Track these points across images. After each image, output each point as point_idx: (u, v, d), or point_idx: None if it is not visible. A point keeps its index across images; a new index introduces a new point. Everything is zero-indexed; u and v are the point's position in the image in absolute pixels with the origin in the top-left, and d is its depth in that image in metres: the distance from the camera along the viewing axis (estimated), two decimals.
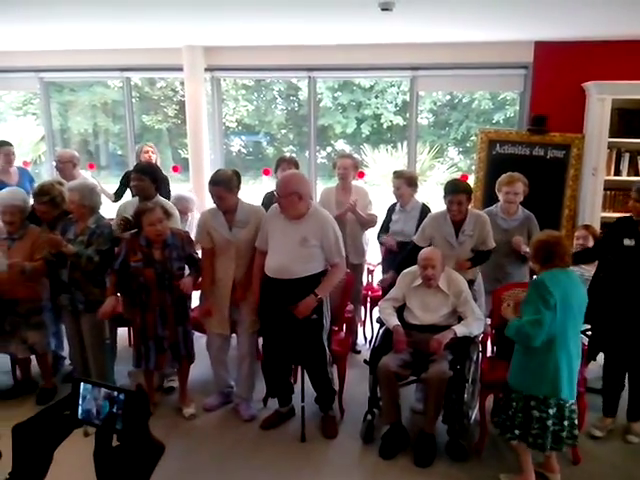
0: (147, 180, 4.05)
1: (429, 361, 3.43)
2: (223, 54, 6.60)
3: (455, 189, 3.90)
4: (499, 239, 4.11)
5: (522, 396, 2.99)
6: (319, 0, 4.02)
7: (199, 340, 4.13)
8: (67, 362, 4.50)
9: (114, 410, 0.96)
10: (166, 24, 5.14)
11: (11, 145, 5.49)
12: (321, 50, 6.27)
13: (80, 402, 0.99)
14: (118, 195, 5.38)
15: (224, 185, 3.62)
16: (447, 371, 3.34)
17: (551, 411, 2.92)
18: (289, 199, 3.41)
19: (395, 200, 4.70)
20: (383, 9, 4.09)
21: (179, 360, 3.82)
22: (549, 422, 2.92)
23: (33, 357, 4.16)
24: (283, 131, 15.61)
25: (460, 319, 3.62)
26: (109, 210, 4.56)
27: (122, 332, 4.45)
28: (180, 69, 6.63)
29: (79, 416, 0.99)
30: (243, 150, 16.30)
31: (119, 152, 14.40)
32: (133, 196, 4.49)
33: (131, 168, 5.51)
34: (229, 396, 4.05)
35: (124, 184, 5.29)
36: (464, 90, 11.24)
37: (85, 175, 5.54)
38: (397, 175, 4.62)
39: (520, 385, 3.01)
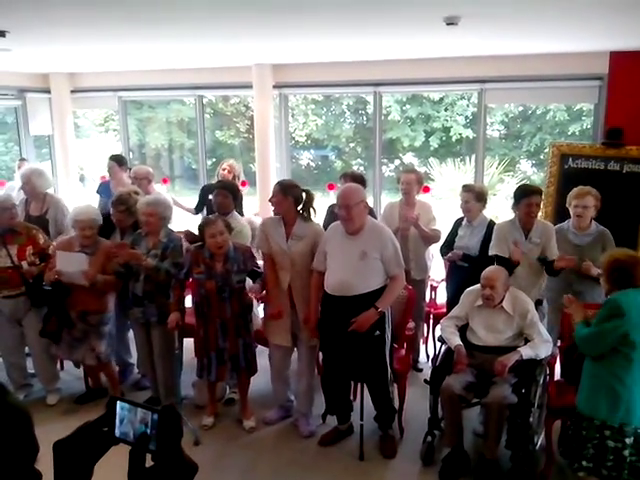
0: (230, 197, 4.32)
1: (492, 383, 3.33)
2: (290, 71, 6.73)
3: (531, 190, 3.97)
4: (570, 255, 3.94)
5: (594, 425, 2.78)
6: (384, 16, 4.02)
7: (262, 353, 4.18)
8: (136, 370, 4.67)
9: (148, 431, 0.98)
10: (236, 44, 5.30)
11: (115, 159, 5.83)
12: (387, 65, 6.27)
13: (118, 424, 1.02)
14: (198, 209, 5.58)
15: (281, 187, 3.73)
16: (508, 396, 3.22)
17: (628, 440, 2.72)
18: (358, 207, 3.42)
19: (462, 214, 4.59)
20: (448, 24, 4.04)
21: (238, 372, 3.88)
22: (626, 452, 2.72)
23: None
24: (351, 144, 15.67)
25: (527, 341, 3.49)
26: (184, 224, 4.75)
27: (188, 343, 4.56)
28: (249, 86, 6.81)
29: (116, 434, 1.02)
30: (312, 164, 16.48)
31: (193, 166, 14.89)
32: (210, 212, 4.65)
33: (204, 183, 5.71)
34: (289, 410, 4.07)
35: (202, 199, 5.49)
36: (535, 102, 10.90)
37: (159, 190, 5.78)
38: (466, 189, 4.52)
39: (592, 410, 2.80)
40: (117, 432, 1.02)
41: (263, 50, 5.76)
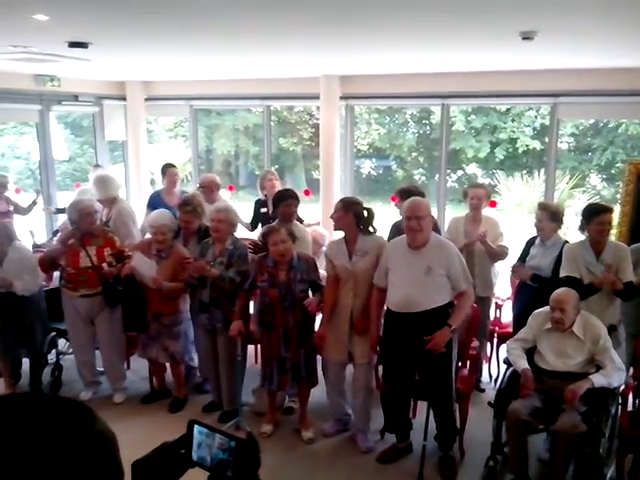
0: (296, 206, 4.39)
1: (560, 410, 3.21)
2: (358, 82, 6.75)
3: (602, 209, 3.87)
4: None
5: None
6: (460, 34, 3.99)
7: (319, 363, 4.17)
8: (197, 374, 4.76)
9: (226, 457, 0.99)
10: (306, 56, 5.36)
11: (175, 167, 5.89)
12: (455, 77, 6.19)
13: (195, 448, 1.03)
14: (254, 225, 5.54)
15: (343, 204, 3.78)
16: (579, 424, 3.09)
17: None
18: (427, 220, 3.43)
19: (535, 233, 4.43)
20: (524, 38, 3.95)
21: (299, 382, 3.90)
22: None
23: (168, 366, 4.47)
24: (414, 154, 15.53)
25: (598, 367, 3.35)
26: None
27: (249, 350, 4.61)
28: (316, 97, 6.87)
29: (193, 458, 1.04)
30: (373, 172, 16.44)
31: (257, 172, 15.14)
32: (272, 221, 4.69)
33: (261, 195, 5.63)
34: (347, 424, 4.05)
35: (258, 212, 5.50)
36: (610, 117, 10.49)
37: (225, 197, 5.87)
38: (541, 207, 4.36)
39: None
40: (194, 456, 1.03)
41: (331, 62, 5.80)
